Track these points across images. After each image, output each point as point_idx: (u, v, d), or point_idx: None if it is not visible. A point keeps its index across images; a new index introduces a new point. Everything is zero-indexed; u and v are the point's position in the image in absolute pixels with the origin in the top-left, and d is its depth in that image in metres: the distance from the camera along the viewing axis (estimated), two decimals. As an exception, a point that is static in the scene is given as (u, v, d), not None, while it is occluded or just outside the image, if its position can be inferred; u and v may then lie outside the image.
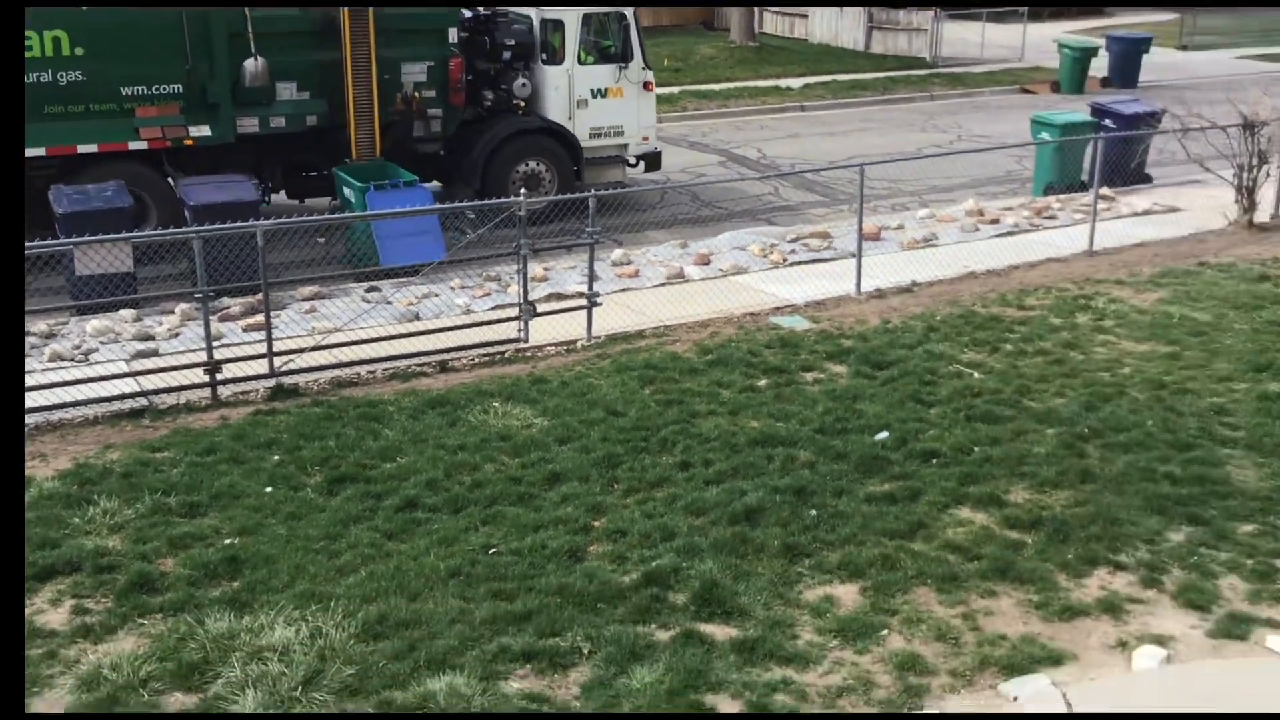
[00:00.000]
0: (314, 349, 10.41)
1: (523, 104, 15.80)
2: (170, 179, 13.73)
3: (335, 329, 10.89)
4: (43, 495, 7.98)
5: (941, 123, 23.47)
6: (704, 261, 13.61)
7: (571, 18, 15.91)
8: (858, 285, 12.48)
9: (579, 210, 11.92)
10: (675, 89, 25.29)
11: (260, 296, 10.43)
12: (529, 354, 10.92)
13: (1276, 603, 6.77)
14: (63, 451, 8.80)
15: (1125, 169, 16.64)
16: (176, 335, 11.32)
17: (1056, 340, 10.89)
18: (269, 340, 10.13)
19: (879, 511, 7.73)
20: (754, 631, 6.47)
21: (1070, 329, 11.21)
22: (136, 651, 6.31)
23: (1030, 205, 16.15)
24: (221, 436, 9.00)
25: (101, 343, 11.06)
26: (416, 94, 14.66)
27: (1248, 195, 14.68)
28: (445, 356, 10.71)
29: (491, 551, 7.31)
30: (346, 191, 13.83)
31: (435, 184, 16.00)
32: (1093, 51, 27.34)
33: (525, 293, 11.08)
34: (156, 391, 9.84)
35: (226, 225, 10.26)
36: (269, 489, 8.15)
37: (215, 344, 10.11)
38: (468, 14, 15.75)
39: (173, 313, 11.81)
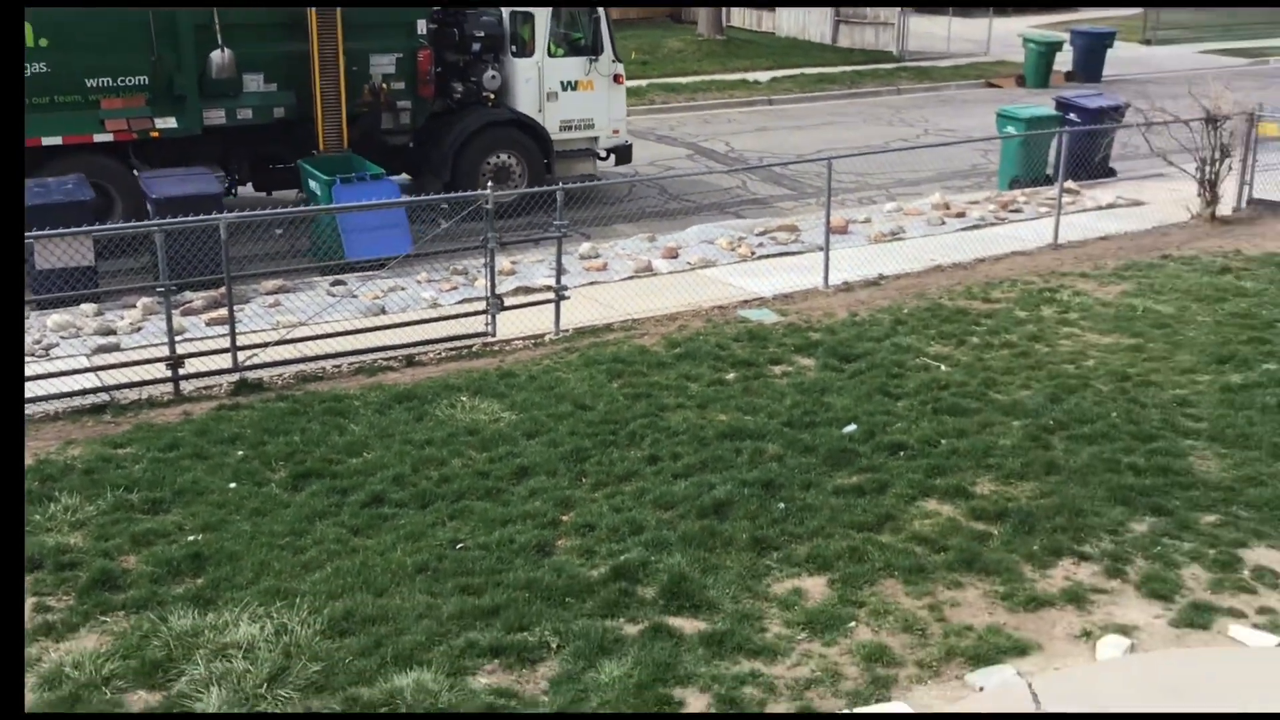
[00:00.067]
0: (278, 343, 10.32)
1: (492, 96, 15.73)
2: (136, 171, 13.57)
3: (300, 323, 10.81)
4: (2, 492, 7.87)
5: (908, 116, 23.57)
6: (672, 255, 13.61)
7: (541, 10, 15.85)
8: (825, 278, 12.51)
9: (547, 203, 11.88)
10: (643, 82, 25.25)
11: (223, 290, 10.33)
12: (496, 348, 10.88)
13: (1238, 592, 6.84)
14: (23, 448, 8.70)
15: (1090, 163, 16.77)
16: (138, 329, 11.20)
17: (1022, 333, 10.95)
18: (232, 334, 10.03)
19: (847, 504, 7.75)
20: (722, 624, 6.48)
21: (1035, 322, 11.28)
22: (99, 649, 6.24)
23: (996, 199, 16.25)
24: (184, 432, 8.91)
25: (62, 337, 10.93)
26: (384, 86, 14.56)
27: (1210, 188, 14.82)
28: (412, 351, 10.65)
29: (459, 546, 7.28)
30: (312, 184, 13.72)
31: (404, 176, 15.92)
32: (1057, 46, 27.53)
33: (492, 286, 11.04)
34: (118, 386, 9.74)
35: (189, 218, 10.14)
36: (233, 485, 8.07)
37: (178, 338, 10.02)
38: (436, 5, 15.65)
39: (134, 307, 11.69)
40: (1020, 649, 6.33)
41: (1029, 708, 5.86)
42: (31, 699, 5.90)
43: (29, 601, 6.72)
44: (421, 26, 14.76)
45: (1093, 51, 27.90)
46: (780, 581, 6.93)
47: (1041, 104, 18.87)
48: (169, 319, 9.79)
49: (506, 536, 7.33)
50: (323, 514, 7.68)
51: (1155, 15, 34.67)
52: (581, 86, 16.19)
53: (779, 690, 6.00)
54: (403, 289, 12.30)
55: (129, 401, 9.59)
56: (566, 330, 11.19)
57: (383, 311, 11.69)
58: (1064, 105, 17.71)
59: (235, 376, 9.97)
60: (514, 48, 15.95)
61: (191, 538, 7.37)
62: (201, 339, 10.70)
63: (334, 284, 12.39)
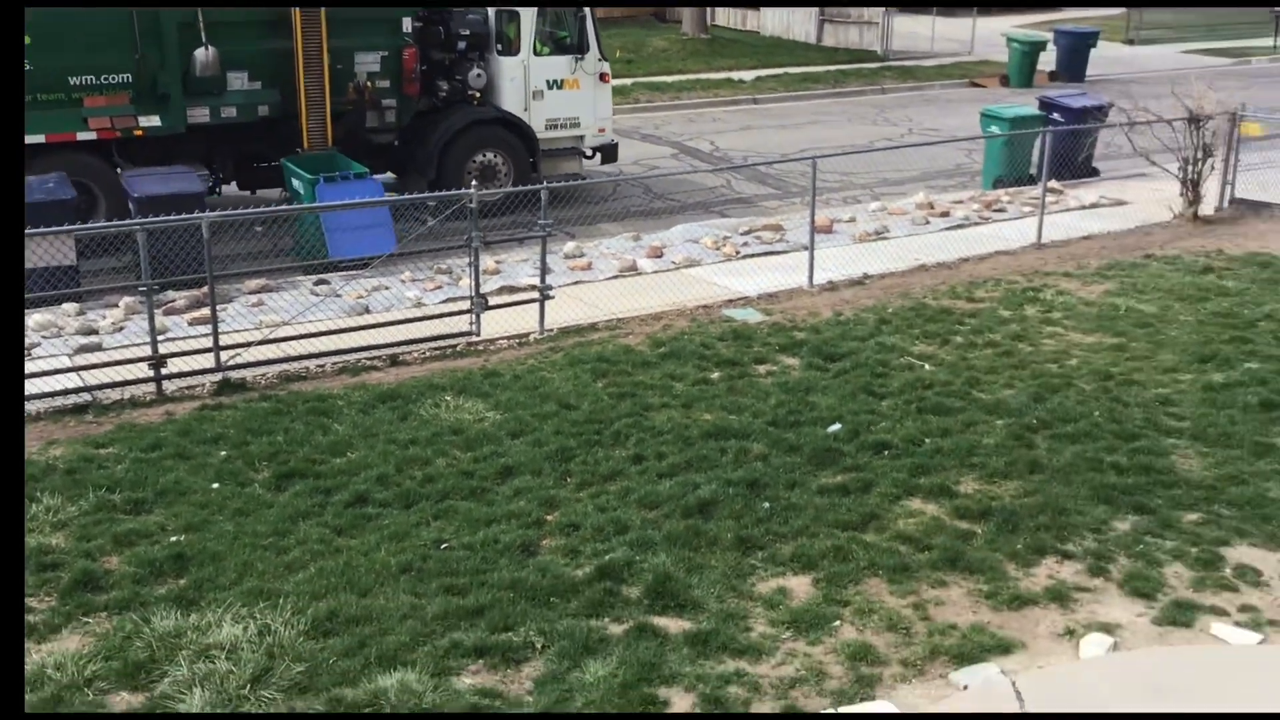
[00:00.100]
0: (261, 343, 10.28)
1: (478, 95, 15.71)
2: (120, 170, 13.51)
3: (283, 322, 10.77)
4: (-17, 493, 7.82)
5: (893, 116, 23.61)
6: (657, 254, 13.61)
7: (527, 9, 15.84)
8: (810, 278, 12.53)
9: (532, 202, 11.87)
10: (628, 81, 25.24)
11: (206, 289, 10.29)
12: (481, 347, 10.86)
13: (1220, 590, 6.87)
14: (4, 448, 8.63)
15: (1073, 162, 16.83)
16: (120, 329, 11.14)
17: (1005, 332, 10.98)
18: (215, 334, 9.99)
19: (831, 503, 7.76)
20: (707, 624, 6.48)
21: (1019, 321, 11.32)
22: (81, 650, 6.20)
23: (980, 198, 16.29)
24: (167, 432, 8.87)
25: (44, 337, 10.87)
26: (369, 84, 14.53)
27: (1192, 188, 14.88)
28: (396, 350, 10.62)
29: (443, 546, 7.26)
30: (295, 183, 13.68)
31: (389, 175, 15.88)
32: (1041, 46, 27.63)
33: (477, 286, 11.02)
34: (100, 386, 9.69)
35: (171, 217, 10.09)
36: (215, 485, 8.04)
37: (160, 338, 9.96)
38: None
39: (116, 306, 11.63)
40: (1004, 647, 6.35)
41: (1013, 706, 5.88)
42: (12, 701, 5.87)
43: (10, 603, 6.68)
44: (407, 24, 14.72)
45: (1076, 51, 28.01)
46: (765, 581, 6.94)
47: (1025, 104, 18.93)
48: (151, 318, 9.74)
49: (491, 536, 7.32)
50: (306, 514, 7.65)
51: (1138, 15, 34.81)
52: (567, 85, 16.18)
53: (764, 689, 6.00)
54: (387, 288, 12.26)
55: (111, 401, 9.54)
56: (551, 330, 11.18)
57: (366, 311, 11.66)
58: (1047, 105, 17.76)
59: (218, 376, 9.93)
60: (500, 46, 15.93)
61: (174, 538, 7.34)
62: (184, 338, 10.66)
63: (317, 283, 12.35)
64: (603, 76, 16.49)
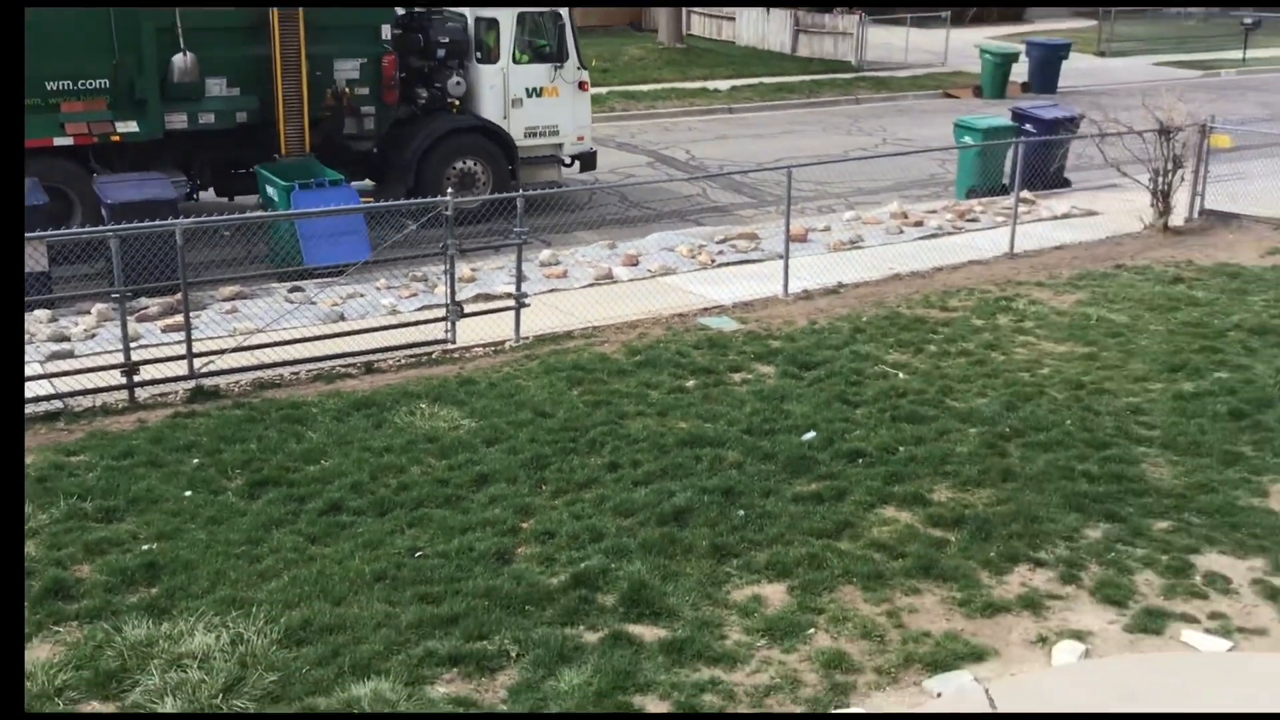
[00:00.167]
0: (235, 350, 10.23)
1: (457, 103, 15.70)
2: (96, 175, 13.43)
3: (257, 329, 10.72)
4: (-48, 501, 7.75)
5: (867, 126, 23.74)
6: (632, 262, 13.62)
7: (506, 17, 15.86)
8: (785, 286, 12.57)
9: (509, 210, 11.87)
10: (603, 89, 25.30)
11: (179, 296, 10.23)
12: (456, 355, 10.84)
13: (1191, 598, 6.93)
14: (-27, 456, 8.55)
15: (1045, 173, 16.96)
16: (93, 336, 11.06)
17: (978, 341, 11.05)
18: (188, 341, 9.94)
19: (806, 511, 7.78)
20: (682, 632, 6.48)
21: (992, 330, 11.39)
22: (52, 659, 6.15)
23: (953, 208, 16.40)
24: (139, 439, 8.81)
25: (14, 344, 10.76)
26: (348, 91, 14.50)
27: (1163, 199, 15.02)
28: (371, 358, 10.59)
29: (418, 554, 7.24)
30: (270, 190, 13.62)
31: (367, 182, 15.85)
32: (1014, 57, 27.85)
33: (452, 293, 11.00)
34: (72, 394, 9.61)
35: (144, 224, 10.04)
36: (188, 493, 7.99)
37: (133, 345, 9.90)
38: (401, 11, 15.60)
39: (89, 313, 11.55)
40: (977, 655, 6.38)
41: (986, 713, 5.91)
42: (-19, 711, 5.81)
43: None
44: (386, 32, 14.70)
45: (1048, 63, 28.26)
46: (740, 588, 6.95)
47: (998, 114, 19.07)
48: (124, 325, 9.68)
49: (466, 544, 7.30)
50: (279, 522, 7.62)
51: (1110, 27, 35.15)
52: (546, 93, 16.22)
53: (738, 697, 6.01)
54: (362, 295, 12.23)
55: (83, 409, 9.47)
56: (527, 337, 11.17)
57: (341, 318, 11.62)
58: (1020, 116, 17.90)
59: (191, 384, 9.88)
60: (479, 54, 15.94)
61: (146, 546, 7.29)
62: (157, 346, 10.59)
63: (292, 290, 12.30)
64: (582, 85, 16.52)
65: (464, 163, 15.57)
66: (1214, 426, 9.10)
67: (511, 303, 11.27)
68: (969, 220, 15.81)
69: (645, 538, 7.39)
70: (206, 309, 11.69)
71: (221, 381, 9.99)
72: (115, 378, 9.66)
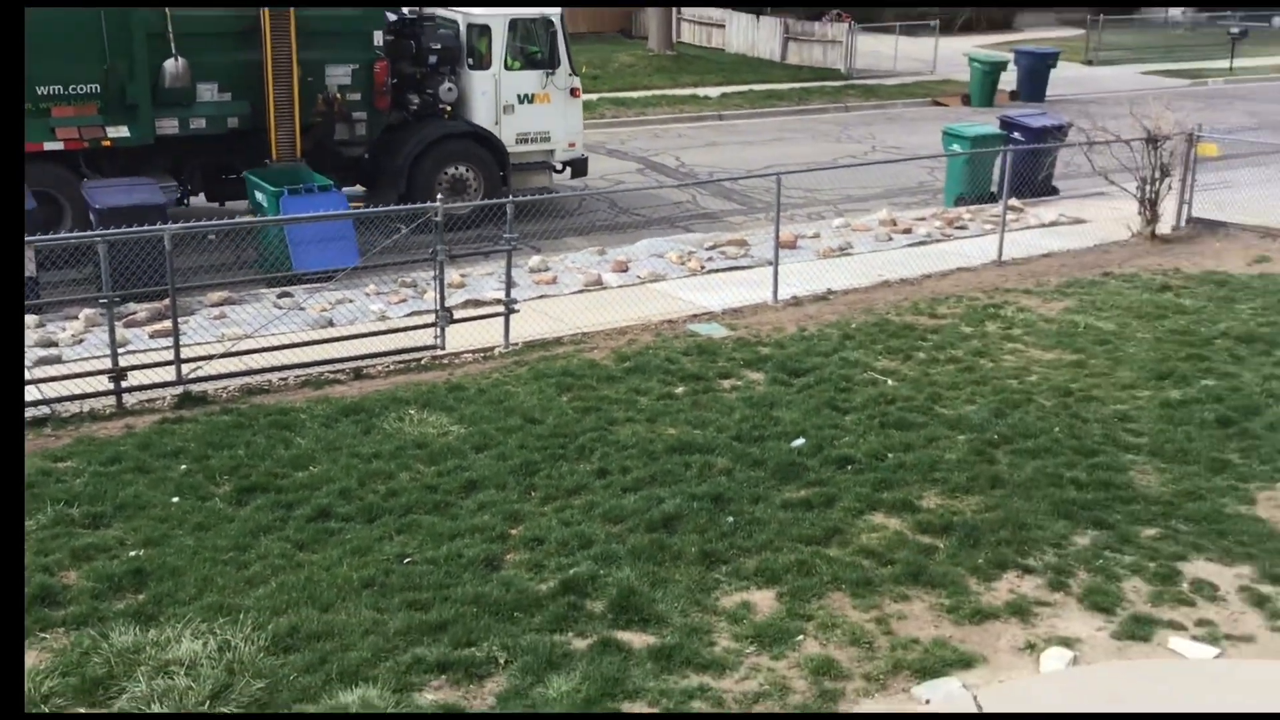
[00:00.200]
0: (223, 355, 10.21)
1: (449, 109, 15.71)
2: (86, 180, 13.39)
3: (245, 335, 10.69)
4: (-63, 507, 7.71)
5: (856, 133, 23.80)
6: (622, 269, 13.63)
7: (498, 23, 15.89)
8: (775, 293, 12.59)
9: (499, 216, 11.87)
10: (594, 96, 25.29)
11: (167, 302, 10.21)
12: (445, 361, 10.83)
13: (1178, 605, 6.95)
14: (-41, 461, 8.51)
15: (1033, 181, 17.02)
16: (80, 341, 11.02)
17: (967, 348, 11.08)
18: (176, 346, 9.91)
19: (795, 518, 7.79)
20: (671, 639, 6.48)
21: (980, 337, 11.42)
22: (38, 666, 6.12)
23: (942, 215, 16.44)
24: (126, 445, 8.78)
25: (1, 349, 10.72)
26: (339, 96, 14.49)
27: (1150, 207, 15.09)
28: (360, 363, 10.57)
29: (406, 561, 7.23)
30: (258, 195, 13.60)
31: (359, 188, 15.83)
32: (1002, 66, 27.96)
33: (442, 299, 10.99)
34: (59, 399, 9.57)
35: (132, 229, 10.01)
36: (176, 499, 7.96)
37: (120, 350, 9.87)
38: (393, 17, 15.61)
39: (76, 318, 11.51)
40: (966, 661, 6.39)
41: (974, 712, 5.92)
42: (-34, 718, 5.78)
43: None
44: (378, 38, 14.70)
45: (1036, 72, 28.36)
46: (729, 595, 6.95)
47: (986, 123, 19.14)
48: (112, 331, 9.65)
49: (454, 551, 7.29)
50: (267, 528, 7.59)
51: (1097, 36, 35.31)
52: (538, 100, 16.24)
53: (727, 704, 6.01)
54: (351, 301, 12.21)
55: (70, 415, 9.44)
56: (516, 344, 11.16)
57: (330, 324, 11.60)
58: (1008, 124, 17.96)
59: (179, 389, 9.85)
60: (471, 60, 15.95)
61: (133, 553, 7.26)
62: (145, 351, 10.56)
63: (281, 296, 12.28)
64: (573, 91, 16.56)
65: (456, 168, 15.58)
66: (1201, 434, 9.13)
67: (501, 309, 11.26)
68: (958, 228, 15.86)
69: (634, 544, 7.38)
70: (195, 314, 11.66)
71: (210, 387, 9.96)
72: (103, 383, 9.63)
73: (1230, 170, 16.86)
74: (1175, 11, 45.62)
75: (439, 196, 11.53)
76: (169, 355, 9.94)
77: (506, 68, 16.03)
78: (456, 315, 11.22)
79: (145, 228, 10.09)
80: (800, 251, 14.48)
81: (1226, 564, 7.38)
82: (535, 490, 8.19)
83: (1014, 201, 15.82)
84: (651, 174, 19.77)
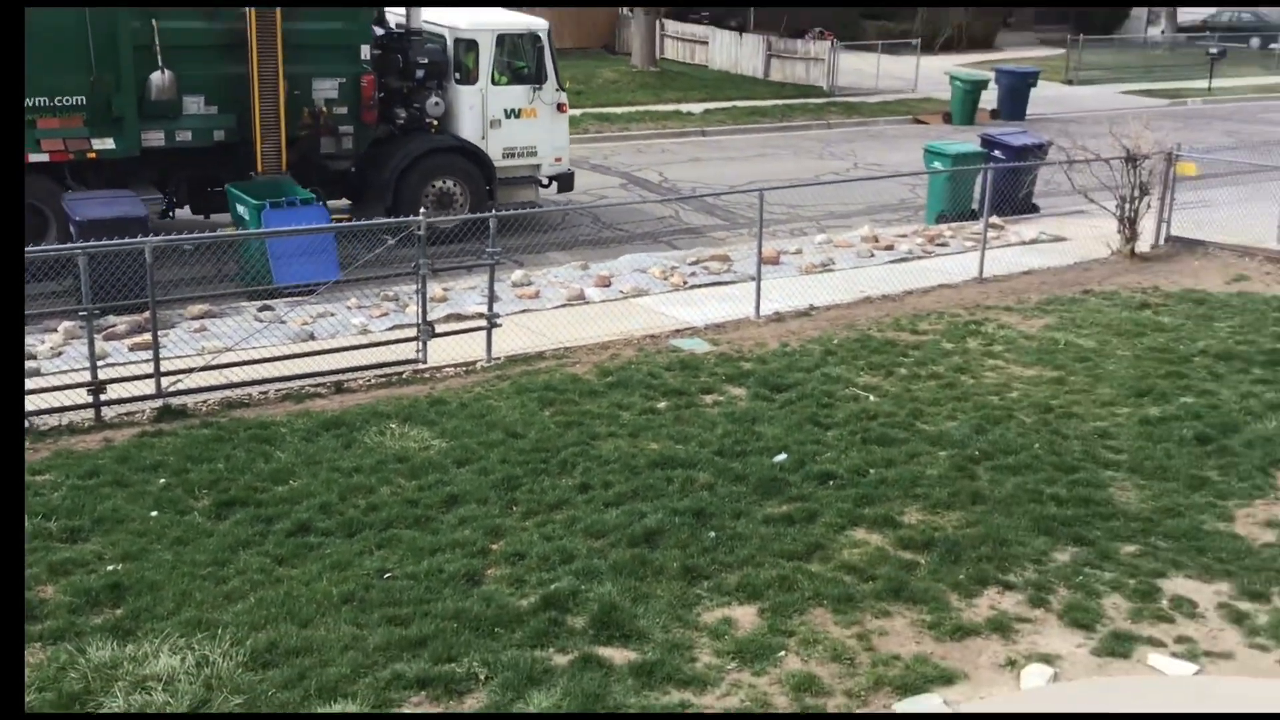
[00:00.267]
0: (203, 369, 10.16)
1: (436, 123, 15.72)
2: (70, 192, 13.33)
3: (226, 348, 10.65)
4: (-88, 520, 7.64)
5: (838, 150, 23.90)
6: (605, 283, 13.63)
7: (486, 38, 15.92)
8: (757, 308, 12.61)
9: (483, 230, 11.86)
10: (578, 111, 25.28)
11: (148, 315, 10.16)
12: (427, 375, 10.80)
13: (1157, 621, 6.98)
14: (-65, 474, 8.44)
15: (1014, 199, 17.11)
16: (59, 354, 10.95)
17: (948, 364, 11.12)
18: (156, 359, 9.86)
19: (777, 533, 7.79)
20: (653, 654, 6.46)
21: (961, 354, 11.46)
22: (11, 683, 6.06)
23: (923, 232, 16.51)
24: (105, 459, 8.72)
25: (-21, 361, 10.64)
26: (325, 110, 14.48)
27: (1129, 226, 15.19)
28: (341, 377, 10.53)
29: (386, 576, 7.19)
30: (240, 209, 13.56)
31: (345, 201, 15.81)
32: (983, 84, 28.14)
33: (424, 313, 10.97)
34: (38, 412, 9.50)
35: (113, 241, 9.96)
36: (154, 513, 7.91)
37: (100, 363, 9.81)
38: (381, 31, 15.62)
39: (55, 331, 11.44)
40: (947, 678, 6.39)
41: None
42: (-60, 734, 5.72)
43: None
44: (365, 52, 14.70)
45: (1017, 90, 28.56)
46: (710, 610, 6.94)
47: (967, 141, 19.24)
48: (91, 344, 9.59)
49: (435, 566, 7.26)
50: (247, 543, 7.55)
51: (1077, 56, 35.58)
52: (525, 114, 16.28)
53: (708, 720, 5.99)
54: (332, 315, 12.18)
55: (48, 428, 9.37)
56: (498, 358, 11.15)
57: (312, 337, 11.56)
58: (989, 142, 18.07)
59: (159, 403, 9.79)
60: (458, 75, 15.97)
61: (111, 567, 7.20)
62: (124, 364, 10.50)
63: (262, 309, 12.23)
64: (560, 106, 16.60)
65: (442, 182, 15.58)
66: (1180, 451, 9.18)
67: (483, 323, 11.25)
68: (939, 245, 15.93)
69: (616, 559, 7.37)
70: (175, 327, 11.60)
71: (189, 401, 9.91)
72: (82, 396, 9.57)
73: (1209, 189, 17.01)
74: (1155, 31, 46.04)
75: (422, 211, 11.50)
76: (149, 368, 9.89)
77: (493, 82, 16.07)
78: (438, 329, 11.20)
79: (126, 240, 10.04)
80: (783, 267, 14.52)
81: (1205, 581, 7.41)
82: (517, 505, 8.17)
83: (995, 219, 15.89)
84: (635, 189, 19.80)
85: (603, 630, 6.66)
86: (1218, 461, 9.04)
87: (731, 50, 34.19)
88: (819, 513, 8.07)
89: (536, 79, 16.29)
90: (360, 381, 10.56)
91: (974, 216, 16.79)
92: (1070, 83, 34.77)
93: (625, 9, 35.89)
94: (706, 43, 35.14)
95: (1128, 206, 15.07)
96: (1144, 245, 15.45)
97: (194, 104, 13.78)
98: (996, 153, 17.65)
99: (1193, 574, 7.47)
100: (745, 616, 6.90)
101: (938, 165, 17.34)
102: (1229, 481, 8.72)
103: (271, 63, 13.73)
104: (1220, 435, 9.44)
